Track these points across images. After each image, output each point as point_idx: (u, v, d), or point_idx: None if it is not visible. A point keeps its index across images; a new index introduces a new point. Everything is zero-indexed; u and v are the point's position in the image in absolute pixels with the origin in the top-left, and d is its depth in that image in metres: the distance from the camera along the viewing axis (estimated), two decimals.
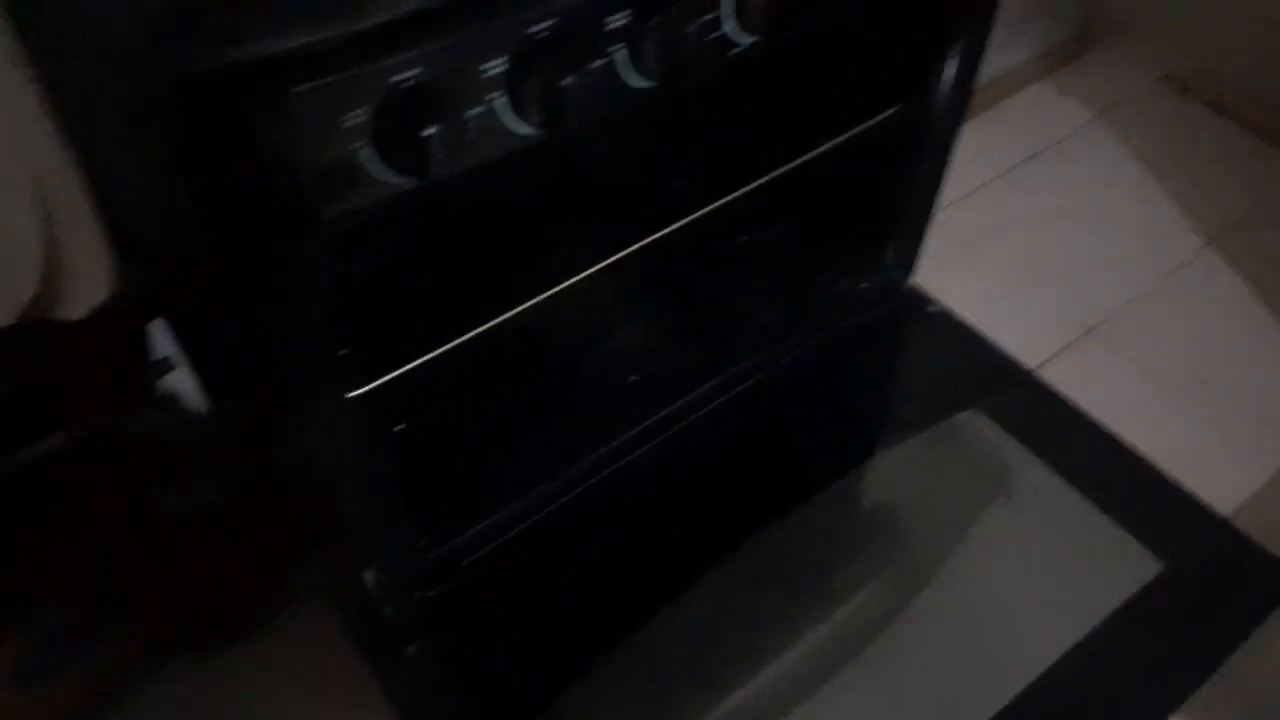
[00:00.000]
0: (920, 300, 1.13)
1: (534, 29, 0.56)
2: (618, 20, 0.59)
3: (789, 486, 1.05)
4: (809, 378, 1.08)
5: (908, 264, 1.11)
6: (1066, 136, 1.64)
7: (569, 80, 0.57)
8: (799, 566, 1.01)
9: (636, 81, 0.61)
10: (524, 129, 0.59)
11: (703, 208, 0.91)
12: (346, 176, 0.54)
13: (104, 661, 0.96)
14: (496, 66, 0.55)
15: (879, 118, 0.93)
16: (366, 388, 0.79)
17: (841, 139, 0.93)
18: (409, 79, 0.52)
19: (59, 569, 0.91)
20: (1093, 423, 1.12)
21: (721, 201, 0.92)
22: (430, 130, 0.54)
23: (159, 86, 0.50)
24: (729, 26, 0.64)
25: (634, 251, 0.89)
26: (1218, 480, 1.14)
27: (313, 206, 0.55)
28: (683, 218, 0.91)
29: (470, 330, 0.83)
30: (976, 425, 1.10)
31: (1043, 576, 1.01)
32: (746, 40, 0.65)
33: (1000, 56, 1.72)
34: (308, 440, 0.78)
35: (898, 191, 1.01)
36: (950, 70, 0.89)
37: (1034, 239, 1.49)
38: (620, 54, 0.60)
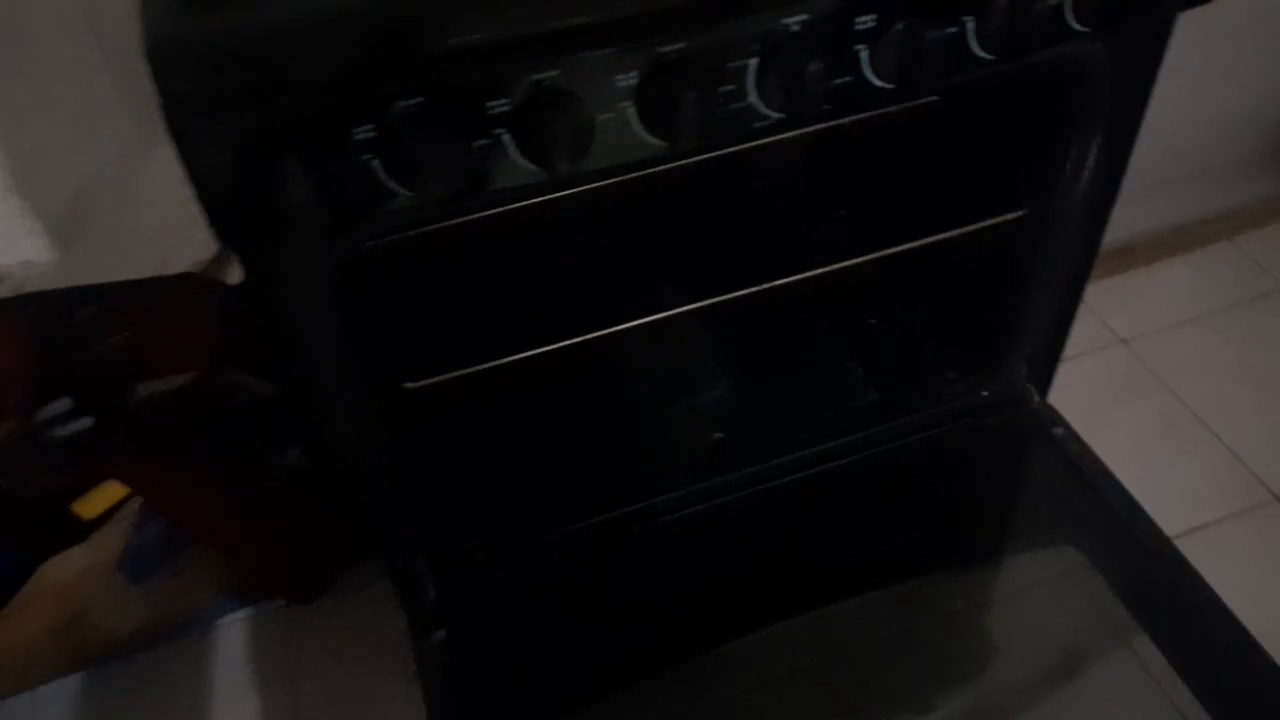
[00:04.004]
0: (1048, 420, 1.05)
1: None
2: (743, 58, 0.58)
3: (865, 569, 1.01)
4: (910, 469, 1.03)
5: (1036, 379, 1.04)
6: None
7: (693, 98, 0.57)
8: (843, 649, 0.96)
9: (765, 110, 0.60)
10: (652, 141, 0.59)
11: (811, 270, 0.90)
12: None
13: (184, 587, 1.08)
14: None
15: (997, 220, 0.88)
16: (426, 381, 0.84)
17: (955, 233, 0.89)
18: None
19: (163, 489, 1.03)
20: (1236, 623, 0.93)
21: (833, 268, 0.91)
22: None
23: None
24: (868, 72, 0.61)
25: (739, 298, 0.89)
26: None
27: None
28: (790, 276, 0.90)
29: (551, 344, 0.86)
30: (1075, 568, 1.01)
31: None
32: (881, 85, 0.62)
33: (1253, 184, 1.56)
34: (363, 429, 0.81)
35: (1022, 301, 0.95)
36: (1079, 187, 0.83)
37: (1229, 389, 1.33)
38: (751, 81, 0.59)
